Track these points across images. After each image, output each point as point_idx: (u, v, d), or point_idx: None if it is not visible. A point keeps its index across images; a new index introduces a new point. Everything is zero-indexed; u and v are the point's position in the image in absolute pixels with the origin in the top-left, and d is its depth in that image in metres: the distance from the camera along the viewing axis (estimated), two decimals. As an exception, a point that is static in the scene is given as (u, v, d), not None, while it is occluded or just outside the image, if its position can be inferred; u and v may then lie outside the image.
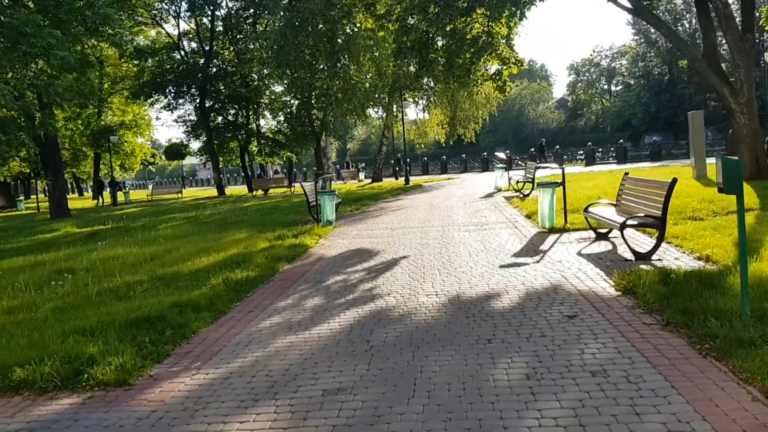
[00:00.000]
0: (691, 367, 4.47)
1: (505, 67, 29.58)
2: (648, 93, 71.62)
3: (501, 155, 35.52)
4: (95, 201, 46.05)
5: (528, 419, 3.86)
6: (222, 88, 41.37)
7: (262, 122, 44.91)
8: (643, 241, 9.31)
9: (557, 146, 52.54)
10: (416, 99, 41.33)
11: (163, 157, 75.64)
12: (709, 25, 18.27)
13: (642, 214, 8.56)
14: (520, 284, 7.41)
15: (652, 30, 65.58)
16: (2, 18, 16.80)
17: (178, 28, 43.37)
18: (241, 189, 50.52)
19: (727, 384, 4.15)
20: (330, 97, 32.28)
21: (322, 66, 30.33)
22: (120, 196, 42.77)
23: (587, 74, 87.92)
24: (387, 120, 39.57)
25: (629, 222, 8.53)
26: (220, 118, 43.19)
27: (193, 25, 42.75)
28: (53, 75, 20.96)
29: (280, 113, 42.22)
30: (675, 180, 8.10)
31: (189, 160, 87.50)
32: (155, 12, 41.78)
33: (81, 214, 30.84)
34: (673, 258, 8.09)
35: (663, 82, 71.48)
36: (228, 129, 42.48)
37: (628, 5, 18.07)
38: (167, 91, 41.45)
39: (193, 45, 44.51)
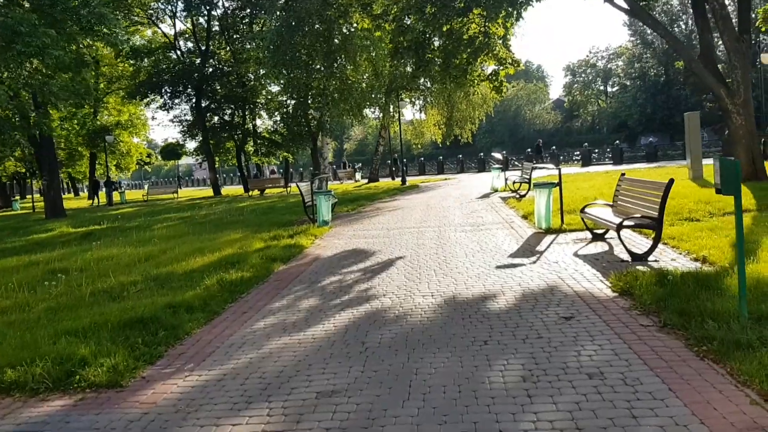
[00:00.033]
0: (689, 370, 4.43)
1: (501, 68, 29.55)
2: (644, 94, 71.80)
3: (498, 156, 35.56)
4: (91, 201, 45.91)
5: (524, 422, 3.81)
6: (218, 88, 41.28)
7: (258, 122, 44.89)
8: (639, 242, 9.28)
9: (554, 147, 52.61)
10: (413, 99, 41.32)
11: (159, 157, 75.44)
12: (706, 26, 18.27)
13: (639, 215, 8.54)
14: (516, 285, 7.38)
15: (649, 31, 65.81)
16: (-3, 17, 16.73)
17: (174, 27, 43.42)
18: (238, 189, 50.41)
19: (725, 387, 4.11)
20: (326, 97, 32.22)
21: (318, 66, 30.27)
22: (116, 196, 42.61)
23: (583, 75, 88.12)
24: (384, 120, 39.54)
25: (626, 223, 8.50)
26: (216, 118, 43.09)
27: (189, 25, 42.63)
28: (48, 74, 20.85)
29: (276, 113, 42.18)
30: (672, 181, 8.08)
31: (185, 160, 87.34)
32: (151, 12, 41.64)
33: (76, 214, 30.71)
34: (669, 259, 8.06)
35: (659, 84, 71.65)
36: (224, 129, 42.38)
37: (625, 6, 18.08)
38: (163, 90, 41.30)
39: (190, 45, 44.39)
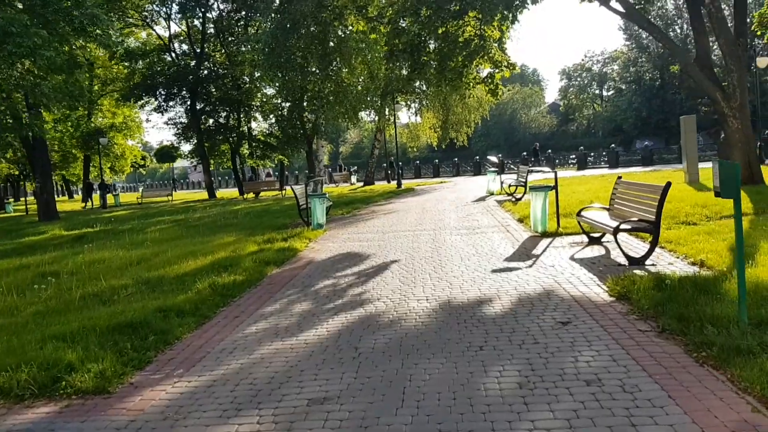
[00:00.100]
0: (689, 376, 4.35)
1: (497, 71, 29.45)
2: (639, 98, 71.93)
3: (493, 159, 35.51)
4: (84, 204, 45.70)
5: (520, 430, 3.72)
6: (213, 90, 41.14)
7: (253, 125, 44.69)
8: (636, 246, 9.21)
9: (549, 150, 52.64)
10: (408, 102, 41.24)
11: (154, 159, 75.22)
12: (702, 29, 18.24)
13: (635, 219, 8.47)
14: (512, 289, 7.29)
15: (644, 35, 65.99)
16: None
17: (169, 30, 43.09)
18: (233, 192, 50.30)
19: (726, 394, 4.02)
20: (322, 100, 32.12)
21: (313, 68, 30.19)
22: (110, 199, 42.44)
23: (579, 79, 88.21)
24: (379, 123, 39.47)
25: (623, 226, 8.44)
26: (211, 121, 42.95)
27: (184, 27, 42.51)
28: (40, 76, 20.69)
29: (271, 116, 42.02)
30: (669, 184, 8.01)
31: (180, 163, 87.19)
32: (146, 14, 41.51)
33: (69, 216, 30.54)
34: (667, 263, 7.99)
35: (654, 88, 71.80)
36: (219, 131, 42.24)
37: (621, 9, 18.04)
38: (158, 93, 41.16)
39: (184, 47, 44.25)
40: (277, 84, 33.22)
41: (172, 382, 5.03)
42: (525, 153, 49.77)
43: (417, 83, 36.16)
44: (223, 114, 42.63)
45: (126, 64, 41.17)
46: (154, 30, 43.51)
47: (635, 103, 71.94)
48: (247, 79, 40.17)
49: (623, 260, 8.27)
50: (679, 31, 70.11)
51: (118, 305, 7.51)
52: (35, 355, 5.49)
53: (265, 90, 41.45)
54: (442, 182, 37.48)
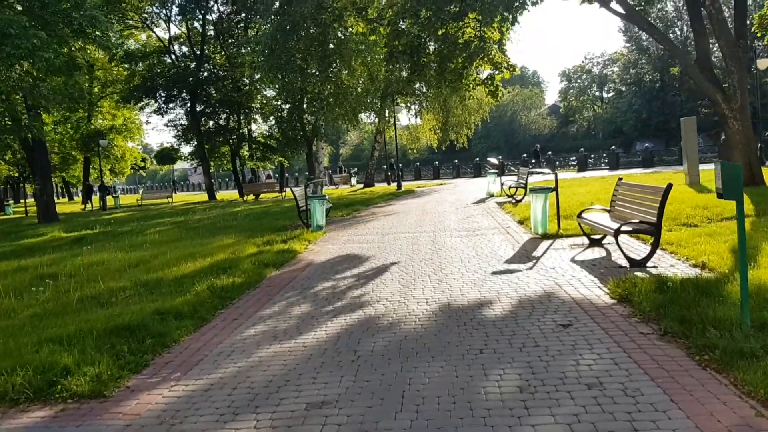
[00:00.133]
0: (691, 380, 4.30)
1: (497, 72, 29.42)
2: (639, 100, 71.88)
3: (494, 160, 35.42)
4: (84, 206, 45.66)
5: (521, 435, 3.67)
6: (213, 92, 41.14)
7: (253, 127, 44.71)
8: (637, 248, 9.16)
9: (549, 152, 52.63)
10: (408, 104, 41.21)
11: (154, 161, 75.17)
12: (702, 31, 18.20)
13: (636, 220, 8.42)
14: (512, 292, 7.24)
15: (644, 37, 66.00)
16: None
17: (169, 32, 43.10)
18: (233, 194, 50.27)
19: (729, 397, 3.97)
20: (321, 102, 32.11)
21: (313, 70, 30.15)
22: (110, 201, 42.40)
23: (579, 81, 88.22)
24: (379, 125, 39.42)
25: (624, 228, 8.38)
26: (211, 123, 42.95)
27: (184, 29, 42.52)
28: (39, 77, 20.64)
29: (271, 117, 42.03)
30: (670, 185, 7.96)
31: (180, 165, 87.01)
32: (146, 16, 41.55)
33: (69, 218, 30.49)
34: (668, 265, 7.94)
35: (654, 89, 71.75)
36: (219, 133, 42.22)
37: (621, 10, 18.01)
38: (158, 95, 41.19)
39: (184, 49, 44.27)
40: (277, 86, 33.21)
41: (169, 386, 4.98)
42: (525, 155, 49.70)
43: (417, 85, 36.11)
44: (223, 116, 42.65)
45: (126, 66, 41.18)
46: (154, 32, 43.61)
47: (635, 104, 71.89)
48: (247, 81, 40.19)
49: (624, 262, 8.22)
50: (679, 32, 70.04)
51: (116, 308, 7.46)
52: (31, 359, 5.44)
53: (265, 92, 41.48)
54: (442, 184, 37.44)
